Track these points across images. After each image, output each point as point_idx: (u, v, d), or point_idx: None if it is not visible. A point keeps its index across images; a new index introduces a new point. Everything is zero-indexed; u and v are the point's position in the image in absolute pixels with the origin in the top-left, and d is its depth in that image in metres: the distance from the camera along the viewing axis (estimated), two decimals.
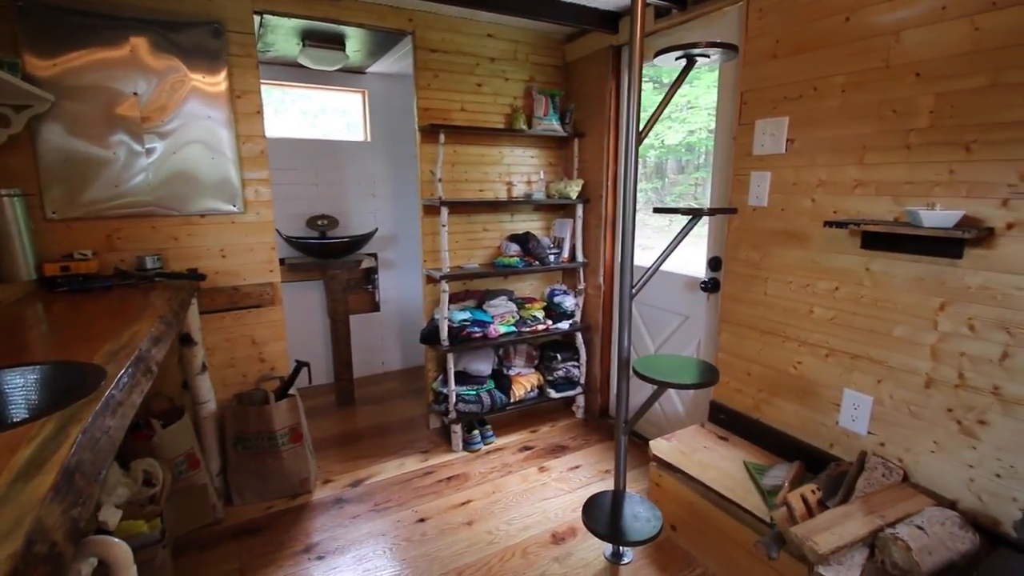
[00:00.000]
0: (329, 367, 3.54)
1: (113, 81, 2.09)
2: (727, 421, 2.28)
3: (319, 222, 3.43)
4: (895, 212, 1.64)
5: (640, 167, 2.93)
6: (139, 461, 1.86)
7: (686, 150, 3.03)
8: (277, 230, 3.16)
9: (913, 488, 1.64)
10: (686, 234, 1.69)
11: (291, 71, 3.35)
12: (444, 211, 2.66)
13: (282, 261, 3.28)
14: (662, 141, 3.06)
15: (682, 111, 2.91)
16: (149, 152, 2.19)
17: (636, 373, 1.70)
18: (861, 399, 1.79)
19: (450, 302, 2.90)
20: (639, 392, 2.59)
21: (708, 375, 1.66)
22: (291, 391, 2.45)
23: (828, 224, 1.70)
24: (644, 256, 2.75)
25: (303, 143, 3.45)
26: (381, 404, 3.42)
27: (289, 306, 3.40)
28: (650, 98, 2.90)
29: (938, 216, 1.44)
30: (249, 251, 2.44)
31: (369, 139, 3.71)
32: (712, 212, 1.67)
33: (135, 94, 2.13)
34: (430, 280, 2.88)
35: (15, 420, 1.03)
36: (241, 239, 2.42)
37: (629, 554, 2.01)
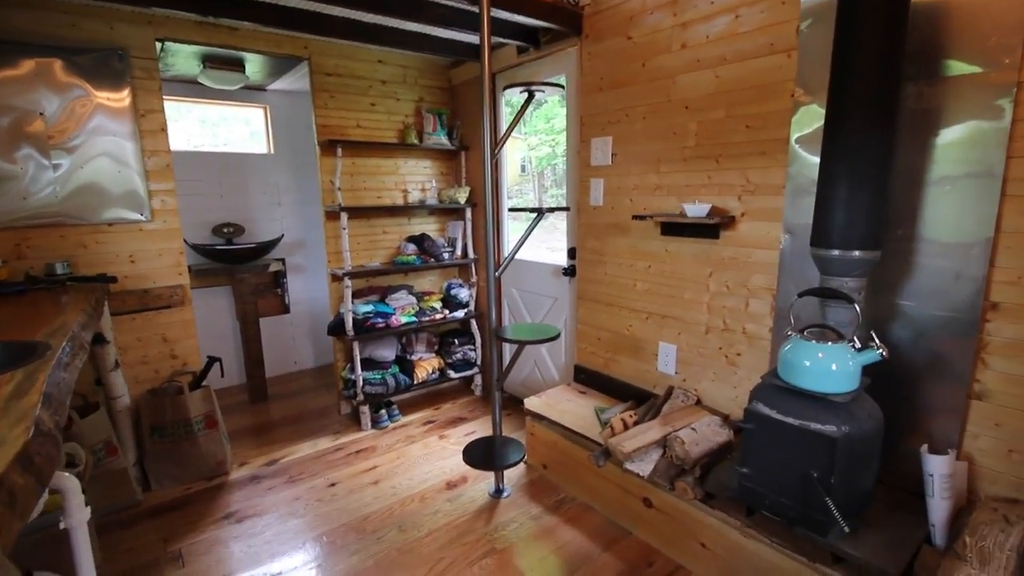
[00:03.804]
0: (241, 367, 3.73)
1: (19, 100, 2.26)
2: (586, 379, 2.83)
3: (225, 230, 3.63)
4: (678, 207, 2.24)
5: (550, 175, 3.44)
6: (62, 445, 2.05)
7: None
8: (184, 240, 3.37)
9: (702, 408, 2.24)
10: (532, 228, 2.18)
11: (192, 87, 3.54)
12: (344, 216, 3.01)
13: (189, 268, 3.47)
14: (564, 151, 3.59)
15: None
16: (56, 167, 2.37)
17: (499, 337, 2.17)
18: (669, 348, 2.38)
19: (355, 298, 3.24)
20: (522, 362, 3.07)
21: (550, 334, 2.17)
22: (204, 384, 2.69)
23: (635, 217, 2.27)
24: (530, 252, 3.25)
25: (208, 156, 3.64)
26: (294, 398, 3.67)
27: (199, 311, 3.57)
28: (553, 110, 3.38)
29: (696, 208, 2.04)
30: (158, 256, 2.66)
31: (273, 151, 3.95)
32: (550, 210, 2.18)
33: (41, 114, 2.30)
34: (335, 278, 3.21)
35: None
36: (149, 245, 2.63)
37: (508, 489, 2.47)
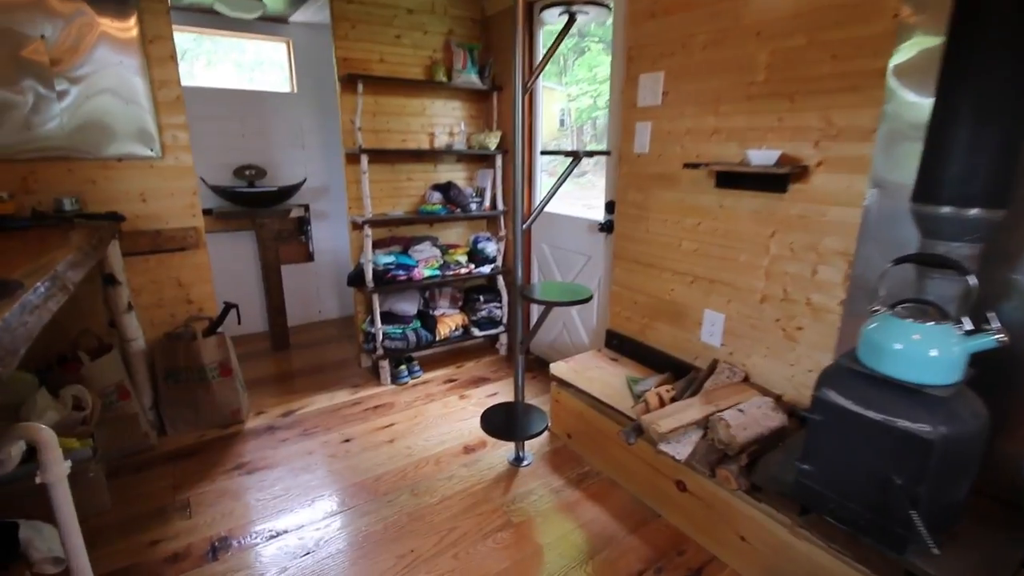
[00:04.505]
0: (263, 314, 3.66)
1: (17, 23, 2.09)
2: (618, 345, 2.60)
3: (246, 172, 3.48)
4: (740, 155, 1.92)
5: (589, 130, 3.12)
6: (68, 387, 1.98)
7: None
8: (202, 179, 3.24)
9: (750, 386, 1.99)
10: (567, 174, 1.92)
11: (209, 18, 3.31)
12: (364, 159, 2.79)
13: (210, 211, 3.36)
14: (607, 102, 3.23)
15: None
16: (61, 96, 2.21)
17: (523, 296, 1.95)
18: (716, 317, 2.11)
19: (377, 248, 3.06)
20: (550, 323, 2.87)
21: (581, 296, 1.93)
22: (220, 331, 2.59)
23: (686, 166, 1.97)
24: (564, 205, 2.98)
25: (227, 93, 3.45)
26: (315, 348, 3.59)
27: (220, 255, 3.50)
28: (597, 59, 3.04)
29: (763, 155, 1.73)
30: (170, 196, 2.52)
31: (296, 90, 3.73)
32: (588, 154, 1.90)
33: (42, 37, 2.13)
34: (355, 226, 3.02)
35: None
36: (161, 184, 2.49)
37: (529, 457, 2.32)
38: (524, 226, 1.99)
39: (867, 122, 1.58)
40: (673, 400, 1.93)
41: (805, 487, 1.37)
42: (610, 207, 2.60)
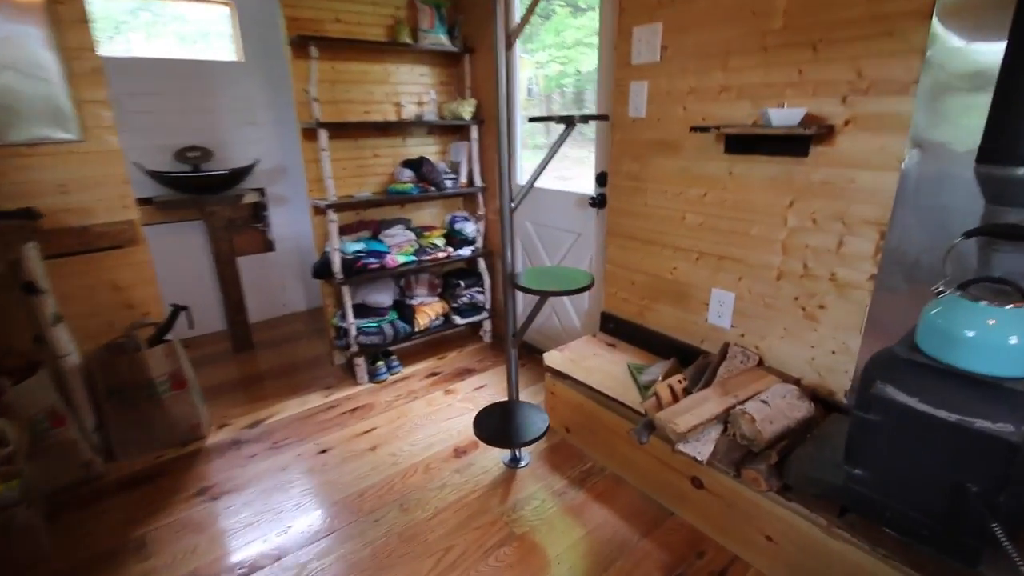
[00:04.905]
0: (221, 313, 3.33)
1: None
2: (615, 329, 2.41)
3: (190, 154, 3.10)
4: (753, 115, 1.71)
5: (558, 99, 2.85)
6: None
7: None
8: (138, 164, 2.86)
9: (766, 371, 1.82)
10: (562, 142, 1.67)
11: None
12: (323, 134, 2.47)
13: (150, 200, 2.99)
14: (577, 69, 2.96)
15: (593, 36, 2.82)
16: None
17: (515, 286, 1.72)
18: (725, 296, 1.93)
19: (344, 234, 2.77)
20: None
21: (582, 282, 1.72)
22: (168, 337, 2.28)
23: (694, 129, 1.75)
24: (551, 181, 2.72)
25: (163, 64, 3.03)
26: (282, 346, 3.29)
27: (165, 250, 3.15)
28: (564, 22, 2.75)
29: (785, 114, 1.52)
30: (96, 185, 2.16)
31: (243, 59, 3.32)
32: (584, 119, 1.66)
33: None
34: (317, 211, 2.72)
35: None
36: (84, 172, 2.13)
37: (526, 457, 2.13)
38: (513, 206, 1.75)
39: (905, 73, 1.38)
40: (686, 392, 1.76)
41: (856, 494, 1.21)
42: (601, 179, 2.37)
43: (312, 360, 3.09)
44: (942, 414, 1.03)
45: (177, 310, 2.36)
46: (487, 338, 3.27)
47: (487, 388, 2.72)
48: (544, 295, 1.67)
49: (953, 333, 1.04)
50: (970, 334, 1.02)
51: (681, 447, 1.55)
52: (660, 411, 1.64)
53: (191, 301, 3.20)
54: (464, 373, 2.90)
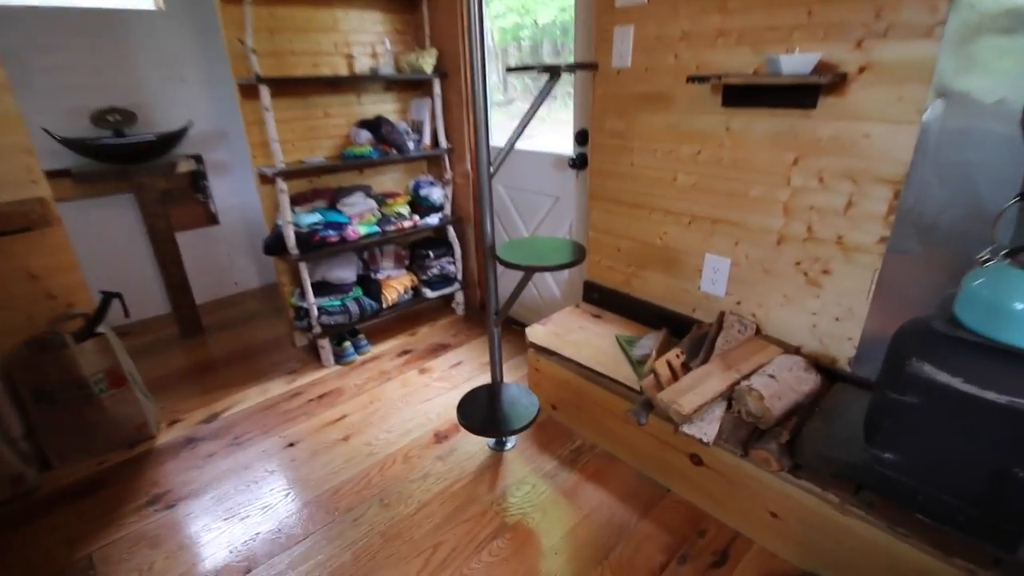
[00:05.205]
0: (164, 295, 3.02)
1: None
2: (600, 299, 2.28)
3: (109, 117, 2.70)
4: (755, 63, 1.55)
5: (514, 52, 2.59)
6: None
7: (561, 31, 2.69)
8: (46, 129, 2.47)
9: (765, 340, 1.74)
10: (545, 95, 1.47)
11: None
12: (265, 91, 2.16)
13: (67, 172, 2.61)
14: (534, 20, 2.69)
15: None
16: None
17: (500, 261, 1.54)
18: (720, 262, 1.82)
19: (296, 204, 2.49)
20: (514, 280, 2.49)
21: (574, 255, 1.56)
22: (100, 329, 2.01)
23: (691, 79, 1.57)
24: (528, 143, 2.50)
25: (67, 14, 2.58)
26: (237, 329, 3.03)
27: (90, 229, 2.80)
28: None
29: (797, 60, 1.36)
30: None
31: (162, 6, 2.89)
32: (570, 68, 1.46)
33: None
34: (264, 180, 2.42)
35: None
36: None
37: (513, 439, 2.01)
38: (492, 170, 1.55)
39: (929, 14, 1.24)
40: (685, 367, 1.65)
41: (885, 478, 1.14)
42: (581, 137, 2.18)
43: (271, 343, 2.85)
44: (990, 395, 0.94)
45: (108, 297, 2.07)
46: (460, 310, 3.10)
47: (464, 365, 2.57)
48: (531, 271, 1.51)
49: (1002, 305, 0.94)
50: (1020, 307, 0.92)
51: (687, 429, 1.45)
52: (660, 391, 1.53)
53: (127, 285, 2.89)
54: (438, 349, 2.74)
